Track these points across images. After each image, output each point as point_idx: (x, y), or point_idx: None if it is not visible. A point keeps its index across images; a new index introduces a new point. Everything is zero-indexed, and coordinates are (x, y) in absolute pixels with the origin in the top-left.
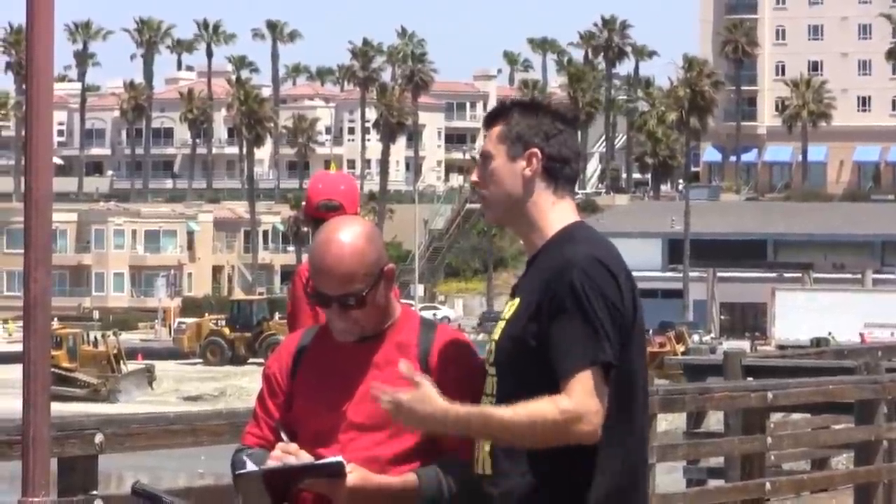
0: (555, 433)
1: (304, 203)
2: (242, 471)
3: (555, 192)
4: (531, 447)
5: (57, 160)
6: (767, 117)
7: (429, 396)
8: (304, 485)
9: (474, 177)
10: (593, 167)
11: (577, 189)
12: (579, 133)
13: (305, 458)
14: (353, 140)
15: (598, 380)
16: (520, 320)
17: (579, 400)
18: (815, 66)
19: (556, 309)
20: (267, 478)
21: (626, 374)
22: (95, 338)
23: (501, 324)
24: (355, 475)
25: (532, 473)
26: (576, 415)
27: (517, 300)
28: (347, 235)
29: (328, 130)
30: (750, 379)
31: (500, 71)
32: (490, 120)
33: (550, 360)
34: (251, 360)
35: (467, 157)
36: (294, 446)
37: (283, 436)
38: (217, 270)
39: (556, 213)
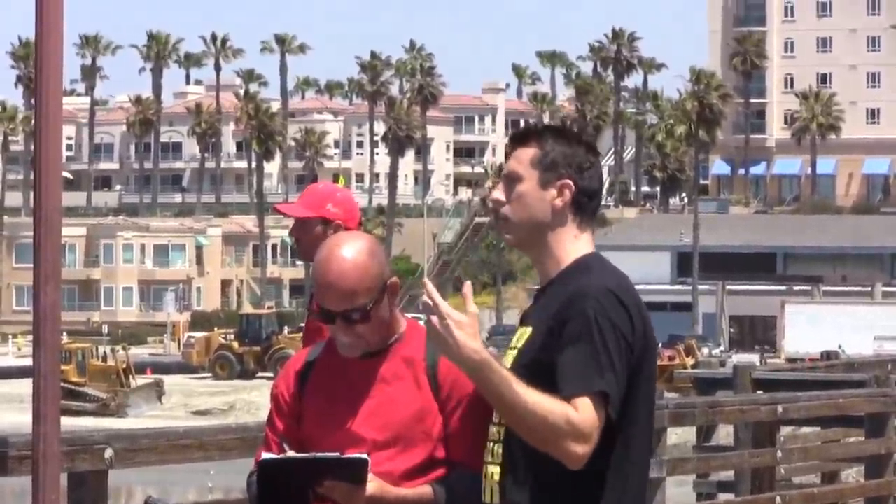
0: (551, 436)
1: None
2: (267, 456)
3: (579, 226)
4: (522, 433)
5: (66, 174)
6: (776, 130)
7: (473, 329)
8: (323, 489)
9: (497, 194)
10: None
11: None
12: None
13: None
14: (361, 154)
15: (597, 408)
16: (533, 349)
17: (587, 422)
18: (823, 79)
19: (567, 335)
20: (290, 467)
21: (631, 403)
22: (105, 352)
23: (513, 353)
24: (374, 485)
25: None
26: (578, 433)
27: (529, 329)
28: (349, 251)
29: (337, 144)
30: (760, 392)
31: (508, 85)
32: (519, 140)
33: (556, 383)
34: (260, 375)
35: (476, 170)
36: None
37: (286, 447)
38: (226, 284)
39: (575, 245)
